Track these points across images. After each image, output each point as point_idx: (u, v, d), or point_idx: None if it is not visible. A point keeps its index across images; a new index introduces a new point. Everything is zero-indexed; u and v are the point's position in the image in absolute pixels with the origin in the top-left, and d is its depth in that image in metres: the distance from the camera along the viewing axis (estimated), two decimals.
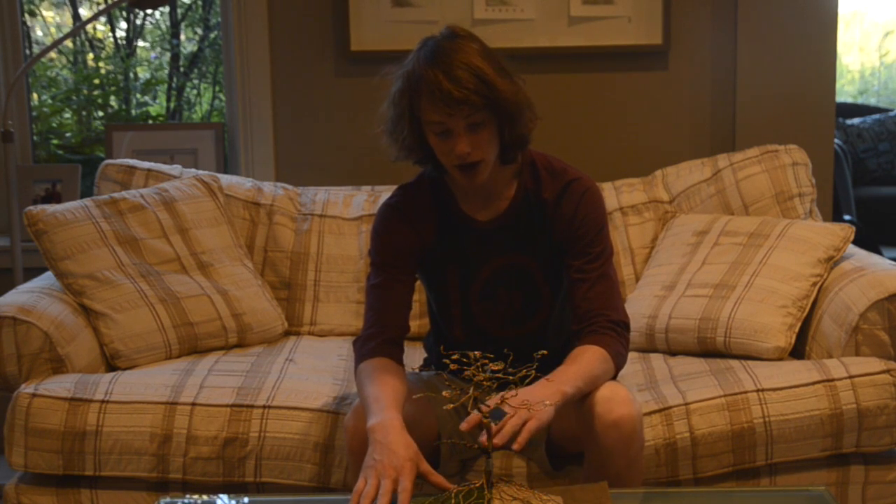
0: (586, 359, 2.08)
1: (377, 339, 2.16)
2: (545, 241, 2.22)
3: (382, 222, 2.26)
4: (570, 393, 1.95)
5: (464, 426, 1.81)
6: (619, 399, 2.03)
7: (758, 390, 2.38)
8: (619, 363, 2.15)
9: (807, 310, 2.65)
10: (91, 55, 4.31)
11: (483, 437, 1.79)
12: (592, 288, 2.16)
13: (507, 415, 1.82)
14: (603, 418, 2.01)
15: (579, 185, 2.22)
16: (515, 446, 1.81)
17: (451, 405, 1.83)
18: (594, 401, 2.04)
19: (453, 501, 1.72)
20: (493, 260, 2.24)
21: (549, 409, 1.87)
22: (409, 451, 1.87)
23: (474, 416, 1.80)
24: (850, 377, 2.40)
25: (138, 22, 4.30)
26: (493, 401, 1.80)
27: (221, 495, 2.25)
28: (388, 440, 1.88)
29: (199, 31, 4.27)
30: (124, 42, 4.32)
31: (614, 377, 2.16)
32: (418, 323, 2.90)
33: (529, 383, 1.81)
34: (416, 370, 2.45)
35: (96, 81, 4.19)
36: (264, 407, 2.38)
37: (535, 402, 1.85)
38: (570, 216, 2.20)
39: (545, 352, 1.87)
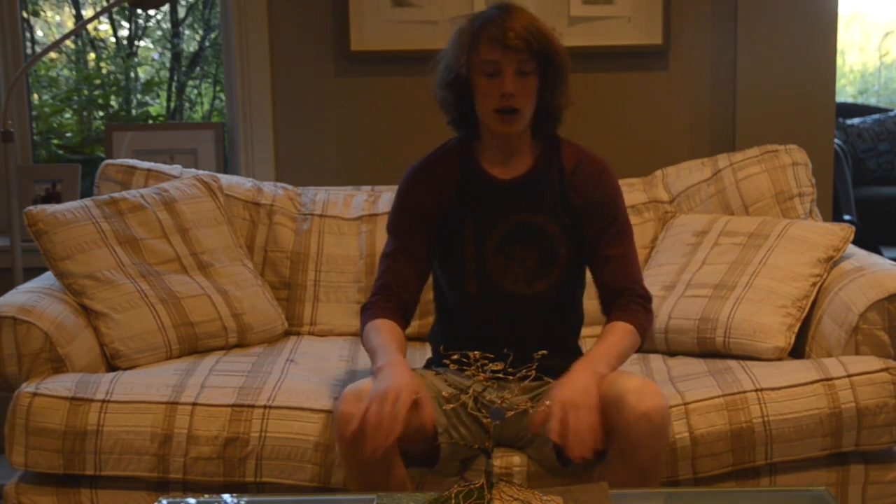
0: (617, 336, 2.22)
1: (382, 305, 2.26)
2: (563, 205, 2.31)
3: (407, 185, 2.37)
4: (605, 373, 2.09)
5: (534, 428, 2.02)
6: (650, 391, 2.07)
7: (756, 390, 2.38)
8: (644, 336, 2.28)
9: (806, 310, 2.65)
10: (92, 55, 4.32)
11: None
12: (619, 266, 2.29)
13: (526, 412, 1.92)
14: (634, 409, 2.04)
15: (598, 162, 2.35)
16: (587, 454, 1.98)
17: (450, 406, 1.84)
18: (624, 392, 2.07)
19: (453, 501, 1.72)
20: (510, 217, 2.31)
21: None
22: (410, 380, 1.99)
23: (542, 413, 1.98)
24: (849, 376, 2.40)
25: (140, 22, 4.31)
26: (538, 406, 1.90)
27: (223, 495, 2.25)
28: (391, 373, 2.00)
29: (200, 31, 4.27)
30: (126, 42, 4.32)
31: (640, 348, 2.33)
32: (419, 323, 2.91)
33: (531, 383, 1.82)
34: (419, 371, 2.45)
35: (97, 81, 4.19)
36: (265, 407, 2.37)
37: (579, 395, 1.99)
38: (589, 192, 2.31)
39: (545, 352, 1.87)
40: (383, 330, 2.21)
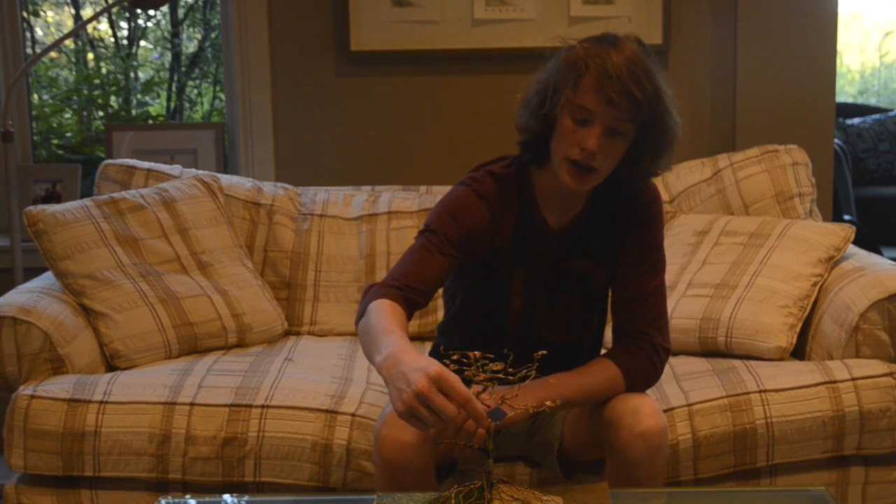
0: (592, 375, 2.05)
1: (390, 292, 1.98)
2: (612, 246, 2.15)
3: (462, 205, 2.09)
4: (549, 406, 1.82)
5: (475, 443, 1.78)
6: (647, 411, 2.00)
7: (760, 391, 2.38)
8: (637, 384, 2.08)
9: (808, 310, 2.65)
10: (91, 55, 4.32)
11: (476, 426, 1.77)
12: (641, 306, 2.10)
13: (508, 415, 1.82)
14: (631, 430, 1.98)
15: (650, 188, 2.14)
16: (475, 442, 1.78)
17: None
18: (621, 412, 2.01)
19: (453, 501, 1.72)
20: (560, 264, 2.15)
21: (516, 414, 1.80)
22: (431, 361, 1.67)
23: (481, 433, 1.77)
24: (853, 379, 2.40)
25: (140, 22, 4.31)
26: (492, 400, 1.79)
27: (224, 496, 2.25)
28: (405, 361, 1.69)
29: (200, 30, 4.27)
30: (125, 42, 4.32)
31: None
32: (418, 322, 2.90)
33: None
34: None
35: (97, 81, 4.20)
36: (263, 406, 2.37)
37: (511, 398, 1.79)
38: (634, 218, 2.13)
39: (545, 352, 1.86)
40: (387, 312, 1.90)
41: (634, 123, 1.96)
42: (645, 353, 2.09)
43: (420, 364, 1.67)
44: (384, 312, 1.90)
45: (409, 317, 2.00)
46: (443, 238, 2.06)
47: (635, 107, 1.93)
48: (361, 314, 1.96)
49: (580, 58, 1.96)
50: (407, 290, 2.00)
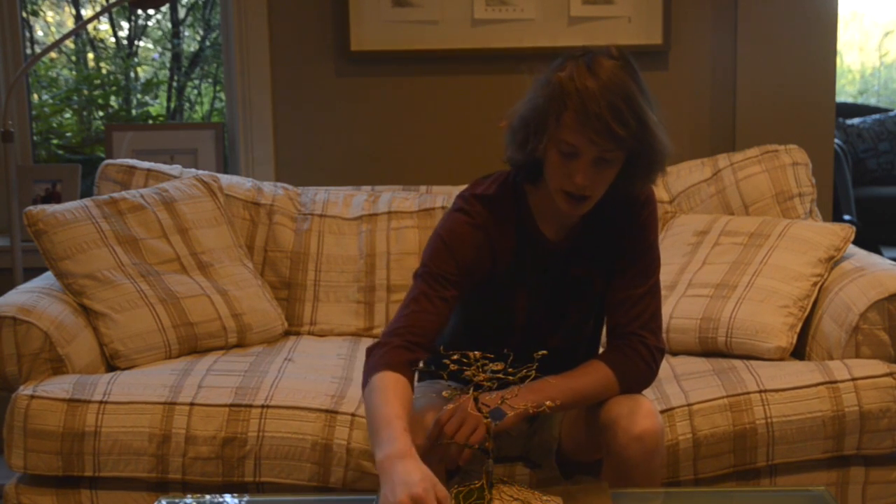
0: (586, 378, 2.05)
1: (393, 353, 1.98)
2: (609, 253, 2.14)
3: (457, 236, 2.08)
4: (549, 406, 1.85)
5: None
6: (643, 413, 2.00)
7: (760, 391, 2.38)
8: (631, 385, 2.07)
9: (808, 310, 2.65)
10: (92, 55, 4.32)
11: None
12: (634, 307, 2.10)
13: (507, 415, 1.83)
14: (627, 432, 1.98)
15: (642, 193, 2.13)
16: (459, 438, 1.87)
17: (451, 406, 1.84)
18: (618, 414, 2.01)
19: (453, 502, 1.72)
20: (560, 276, 2.15)
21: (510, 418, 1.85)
22: (425, 481, 1.68)
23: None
24: (853, 379, 2.40)
25: (140, 22, 4.31)
26: (492, 400, 1.80)
27: (224, 496, 2.25)
28: (398, 471, 1.70)
29: (200, 31, 4.27)
30: (125, 42, 4.32)
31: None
32: None
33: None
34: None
35: (97, 81, 4.20)
36: (262, 406, 2.37)
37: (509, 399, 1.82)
38: (629, 223, 2.12)
39: (545, 352, 1.86)
40: (389, 392, 1.88)
41: (622, 151, 1.95)
42: (639, 355, 2.08)
43: (410, 479, 1.67)
44: (386, 392, 1.88)
45: (416, 368, 2.00)
46: (440, 280, 2.05)
47: (619, 142, 1.91)
48: (366, 380, 1.95)
49: (558, 93, 1.92)
50: (412, 347, 1.98)
